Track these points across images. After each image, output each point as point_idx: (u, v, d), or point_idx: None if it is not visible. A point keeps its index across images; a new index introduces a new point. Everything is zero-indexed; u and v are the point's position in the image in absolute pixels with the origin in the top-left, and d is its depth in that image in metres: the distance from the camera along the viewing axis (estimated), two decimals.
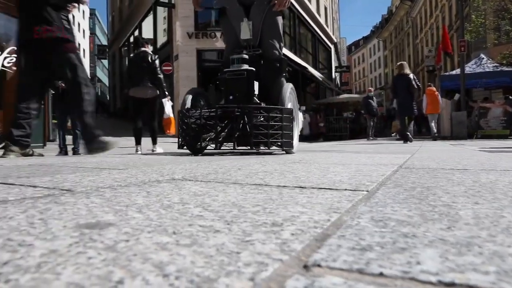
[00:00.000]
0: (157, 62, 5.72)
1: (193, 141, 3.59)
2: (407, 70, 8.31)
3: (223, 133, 3.46)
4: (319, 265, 0.45)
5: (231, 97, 3.72)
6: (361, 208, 0.82)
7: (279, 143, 3.44)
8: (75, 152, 6.40)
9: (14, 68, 6.85)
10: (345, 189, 1.09)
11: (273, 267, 0.44)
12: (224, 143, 3.52)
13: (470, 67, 15.00)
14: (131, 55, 6.30)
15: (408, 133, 8.35)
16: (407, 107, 8.23)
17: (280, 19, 4.06)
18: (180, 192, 1.02)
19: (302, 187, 1.13)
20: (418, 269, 0.44)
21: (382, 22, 55.45)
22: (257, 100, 3.73)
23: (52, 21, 3.39)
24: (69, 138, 6.91)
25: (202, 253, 0.48)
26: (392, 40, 49.41)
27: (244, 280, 0.39)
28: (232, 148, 3.52)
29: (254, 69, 3.72)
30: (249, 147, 3.43)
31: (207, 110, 3.61)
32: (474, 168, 1.77)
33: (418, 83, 8.33)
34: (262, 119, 3.42)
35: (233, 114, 3.47)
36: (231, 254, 0.48)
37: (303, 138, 13.88)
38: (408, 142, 7.95)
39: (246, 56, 3.80)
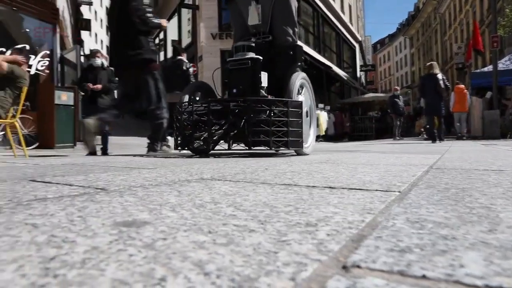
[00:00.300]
0: (190, 70, 6.02)
1: (185, 141, 3.25)
2: (436, 70, 8.10)
3: (219, 131, 3.11)
4: (358, 266, 0.44)
5: (234, 90, 3.28)
6: (395, 209, 0.80)
7: (284, 143, 2.96)
8: (104, 151, 6.57)
9: (47, 71, 7.11)
10: (376, 190, 1.07)
11: (312, 267, 0.43)
12: (221, 142, 3.20)
13: (503, 64, 14.43)
14: (165, 60, 6.62)
15: (435, 132, 8.14)
16: (435, 107, 8.03)
17: (293, 2, 3.66)
18: (211, 192, 1.03)
19: (332, 188, 1.12)
20: (462, 272, 0.42)
21: (409, 19, 54.27)
22: (264, 93, 3.27)
23: (142, 46, 3.85)
24: (97, 139, 7.08)
25: (240, 252, 0.48)
26: (419, 37, 48.29)
27: (284, 280, 0.39)
28: (242, 148, 3.24)
29: (260, 57, 3.25)
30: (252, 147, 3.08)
31: (200, 105, 3.21)
32: (511, 169, 1.70)
33: (447, 83, 8.11)
34: (264, 114, 3.00)
35: (228, 109, 3.05)
36: (269, 253, 0.48)
37: (327, 138, 13.77)
38: (438, 141, 7.74)
39: (251, 43, 3.37)
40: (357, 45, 29.91)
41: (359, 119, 18.80)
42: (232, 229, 0.61)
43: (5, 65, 4.11)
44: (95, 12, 38.43)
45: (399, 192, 1.04)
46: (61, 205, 0.82)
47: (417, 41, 49.97)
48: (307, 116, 3.49)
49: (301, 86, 3.58)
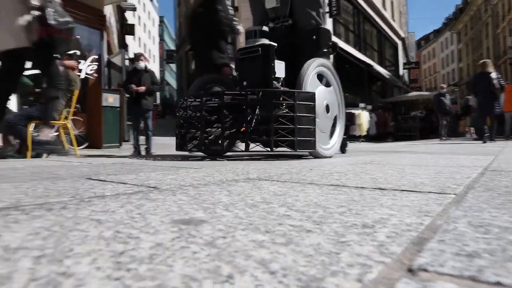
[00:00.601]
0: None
1: (181, 141, 2.98)
2: (490, 69, 7.67)
3: (214, 132, 2.80)
4: (425, 270, 0.43)
5: (244, 83, 2.90)
6: (453, 212, 0.77)
7: (289, 143, 2.61)
8: (148, 151, 6.78)
9: (95, 75, 7.46)
10: (430, 192, 1.04)
11: (377, 269, 0.43)
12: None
13: None
14: None
15: (486, 132, 7.72)
16: (487, 107, 7.62)
17: None
18: (260, 192, 1.03)
19: (382, 189, 1.09)
20: None
21: (456, 13, 51.82)
22: (277, 85, 2.84)
23: (224, 51, 3.96)
24: (141, 139, 7.35)
25: (301, 252, 0.48)
26: (467, 31, 45.98)
27: (351, 281, 0.39)
28: (262, 150, 2.92)
29: (274, 44, 2.81)
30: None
31: (193, 100, 2.88)
32: None
33: (502, 82, 7.65)
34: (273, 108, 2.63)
35: (222, 105, 2.70)
36: (330, 254, 0.48)
37: (369, 138, 13.43)
38: (488, 142, 7.34)
39: (264, 28, 2.97)
40: (399, 42, 29.00)
41: (402, 118, 18.19)
42: (289, 229, 0.61)
43: (61, 70, 4.37)
44: (139, 17, 39.86)
45: (454, 194, 1.00)
46: (119, 203, 0.86)
47: (465, 35, 47.62)
48: (327, 112, 3.03)
49: (320, 75, 3.14)
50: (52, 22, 2.83)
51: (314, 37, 3.17)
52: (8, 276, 0.40)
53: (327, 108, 3.09)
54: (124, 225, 0.64)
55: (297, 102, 2.63)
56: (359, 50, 19.76)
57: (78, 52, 7.39)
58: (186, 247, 0.50)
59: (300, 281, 0.38)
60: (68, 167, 2.03)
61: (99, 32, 7.62)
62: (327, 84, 3.23)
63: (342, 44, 16.06)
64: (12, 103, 4.98)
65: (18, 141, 4.12)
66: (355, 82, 17.68)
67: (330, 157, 2.97)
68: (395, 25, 27.19)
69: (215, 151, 3.13)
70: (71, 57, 6.11)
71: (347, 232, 0.59)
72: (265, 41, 2.85)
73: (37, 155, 3.75)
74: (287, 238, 0.55)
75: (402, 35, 29.50)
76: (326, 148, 3.06)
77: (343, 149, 3.87)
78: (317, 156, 2.86)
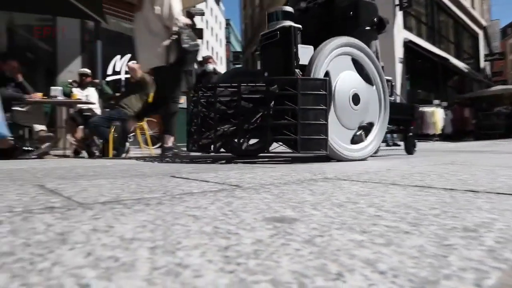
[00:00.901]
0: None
1: (194, 140, 2.72)
2: None
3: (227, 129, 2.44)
4: None
5: (266, 74, 2.55)
6: None
7: (291, 142, 2.26)
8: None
9: None
10: None
11: (495, 275, 0.40)
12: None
13: None
14: None
15: None
16: None
17: None
18: (343, 191, 1.02)
19: (475, 191, 1.02)
20: None
21: None
22: (299, 73, 2.40)
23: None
24: None
25: (405, 254, 0.47)
26: None
27: (468, 285, 0.37)
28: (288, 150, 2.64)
29: (296, 25, 2.41)
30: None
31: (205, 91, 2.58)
32: None
33: None
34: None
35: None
36: (437, 256, 0.46)
37: (444, 137, 12.58)
38: None
39: (287, 8, 2.57)
40: (480, 32, 26.76)
41: (484, 115, 16.76)
42: (385, 229, 0.60)
43: (139, 73, 4.69)
44: (206, 21, 41.33)
45: None
46: (208, 200, 0.90)
47: None
48: (356, 103, 2.48)
49: (348, 58, 2.56)
50: (185, 45, 3.27)
51: (352, 12, 2.71)
52: (132, 264, 0.44)
53: (355, 99, 2.50)
54: (220, 221, 0.67)
55: (301, 92, 2.18)
56: (433, 43, 18.60)
57: None
58: (286, 244, 0.52)
59: (413, 283, 0.38)
60: (150, 165, 2.17)
61: None
62: (361, 71, 2.65)
63: (413, 38, 15.25)
64: (96, 107, 5.46)
65: (101, 141, 4.51)
66: (428, 78, 16.68)
67: (362, 159, 2.50)
68: (475, 13, 25.14)
69: (247, 151, 2.94)
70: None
71: (449, 235, 0.56)
72: (287, 23, 2.45)
73: (117, 154, 4.07)
74: (386, 239, 0.54)
75: (484, 23, 27.16)
76: (354, 149, 2.52)
77: (409, 149, 3.59)
78: (339, 159, 2.39)
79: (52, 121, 5.99)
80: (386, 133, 3.09)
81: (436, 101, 13.23)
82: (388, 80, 3.21)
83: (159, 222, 0.66)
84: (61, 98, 4.83)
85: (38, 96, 4.65)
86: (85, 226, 0.63)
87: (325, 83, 2.25)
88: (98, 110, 5.47)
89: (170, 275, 0.41)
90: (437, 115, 11.94)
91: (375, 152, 2.78)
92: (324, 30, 2.71)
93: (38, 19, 9.45)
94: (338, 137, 2.40)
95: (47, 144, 4.70)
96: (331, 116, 2.35)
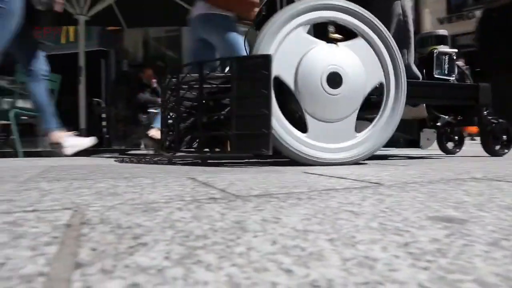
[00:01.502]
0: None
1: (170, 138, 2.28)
2: None
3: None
4: None
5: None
6: None
7: (221, 142, 2.00)
8: None
9: None
10: None
11: None
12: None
13: None
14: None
15: None
16: None
17: None
18: (503, 193, 0.93)
19: None
20: None
21: None
22: None
23: None
24: None
25: None
26: None
27: None
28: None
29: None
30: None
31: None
32: None
33: None
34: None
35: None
36: None
37: None
38: None
39: None
40: None
41: None
42: None
43: None
44: None
45: None
46: (356, 196, 0.91)
47: None
48: (334, 85, 1.88)
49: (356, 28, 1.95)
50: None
51: None
52: (319, 253, 0.47)
53: (333, 80, 1.88)
54: (382, 218, 0.67)
55: (237, 75, 1.79)
56: None
57: None
58: (470, 245, 0.50)
59: None
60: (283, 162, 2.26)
61: None
62: (349, 36, 2.01)
63: None
64: None
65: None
66: None
67: (349, 163, 1.93)
68: None
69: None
70: None
71: None
72: None
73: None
74: None
75: None
76: (333, 148, 1.91)
77: (489, 147, 2.71)
78: (304, 162, 1.85)
79: None
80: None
81: None
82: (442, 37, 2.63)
83: (320, 216, 0.69)
84: None
85: None
86: (254, 216, 0.70)
87: (268, 60, 1.74)
88: None
89: (363, 266, 0.42)
90: None
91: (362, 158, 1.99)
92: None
93: (166, 30, 10.58)
94: (310, 134, 1.90)
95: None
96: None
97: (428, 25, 15.77)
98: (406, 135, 3.21)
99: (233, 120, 1.79)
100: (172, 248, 0.50)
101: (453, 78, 2.58)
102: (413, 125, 3.02)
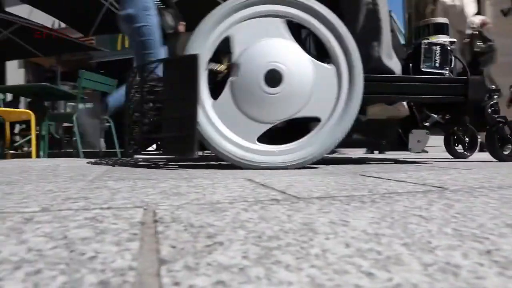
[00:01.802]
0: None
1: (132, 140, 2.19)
2: None
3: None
4: None
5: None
6: None
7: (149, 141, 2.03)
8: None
9: None
10: None
11: None
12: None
13: None
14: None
15: None
16: None
17: None
18: None
19: None
20: None
21: None
22: None
23: None
24: None
25: None
26: None
27: None
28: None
29: None
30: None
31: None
32: None
33: None
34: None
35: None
36: None
37: None
38: None
39: None
40: None
41: None
42: None
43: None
44: None
45: None
46: (422, 200, 0.88)
47: None
48: (273, 85, 1.76)
49: (277, 21, 1.79)
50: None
51: None
52: (397, 258, 0.47)
53: (273, 78, 1.76)
54: (455, 223, 0.65)
55: (163, 76, 1.81)
56: None
57: None
58: None
59: None
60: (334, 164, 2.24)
61: None
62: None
63: None
64: None
65: None
66: None
67: (291, 167, 1.81)
68: None
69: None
70: None
71: None
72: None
73: None
74: None
75: None
76: (269, 150, 1.81)
77: (494, 150, 2.45)
78: (240, 165, 1.79)
79: None
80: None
81: None
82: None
83: (389, 219, 0.68)
84: None
85: None
86: (321, 218, 0.70)
87: (195, 59, 1.68)
88: None
89: (447, 273, 0.41)
90: None
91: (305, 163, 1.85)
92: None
93: None
94: (238, 132, 1.79)
95: None
96: (228, 104, 1.78)
97: (491, 17, 14.79)
98: (372, 138, 2.77)
99: (164, 122, 1.80)
100: (248, 248, 0.51)
101: (447, 72, 2.25)
102: (390, 126, 2.63)
